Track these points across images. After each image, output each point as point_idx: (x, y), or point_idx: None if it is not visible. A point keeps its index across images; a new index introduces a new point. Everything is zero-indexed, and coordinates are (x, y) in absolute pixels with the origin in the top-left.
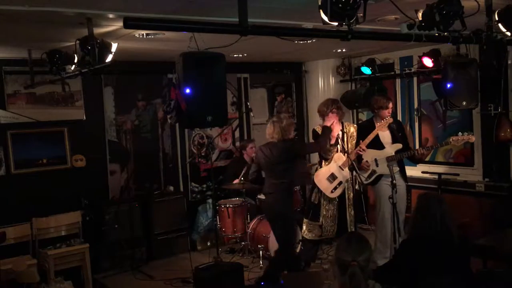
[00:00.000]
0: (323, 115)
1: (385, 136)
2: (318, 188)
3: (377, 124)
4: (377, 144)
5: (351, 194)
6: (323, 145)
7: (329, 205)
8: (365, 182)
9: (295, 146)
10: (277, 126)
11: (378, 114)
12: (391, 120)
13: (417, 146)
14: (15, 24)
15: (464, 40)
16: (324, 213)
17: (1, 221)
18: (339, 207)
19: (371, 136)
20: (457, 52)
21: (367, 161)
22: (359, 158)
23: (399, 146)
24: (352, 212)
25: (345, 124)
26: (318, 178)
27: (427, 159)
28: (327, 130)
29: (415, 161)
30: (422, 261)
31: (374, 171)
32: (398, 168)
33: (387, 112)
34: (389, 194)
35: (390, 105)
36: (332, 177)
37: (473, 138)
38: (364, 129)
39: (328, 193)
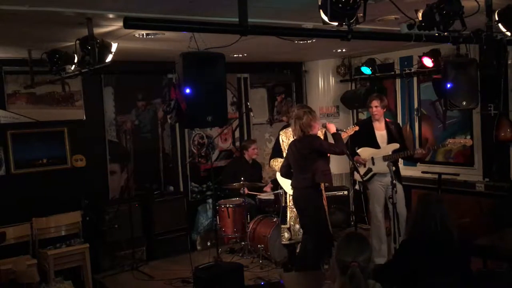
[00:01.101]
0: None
1: (381, 136)
2: (284, 190)
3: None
4: (373, 143)
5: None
6: (343, 149)
7: (294, 207)
8: (359, 180)
9: (315, 142)
10: (298, 123)
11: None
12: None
13: (417, 146)
14: (15, 24)
15: (464, 40)
16: (290, 215)
17: (1, 221)
18: None
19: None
20: (457, 52)
21: (364, 159)
22: (353, 155)
23: (396, 146)
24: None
25: None
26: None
27: (427, 159)
28: (339, 135)
29: (414, 160)
30: (422, 261)
31: (370, 169)
32: (394, 168)
33: (371, 111)
34: (380, 193)
35: (373, 103)
36: None
37: (470, 142)
38: (362, 126)
39: (289, 191)
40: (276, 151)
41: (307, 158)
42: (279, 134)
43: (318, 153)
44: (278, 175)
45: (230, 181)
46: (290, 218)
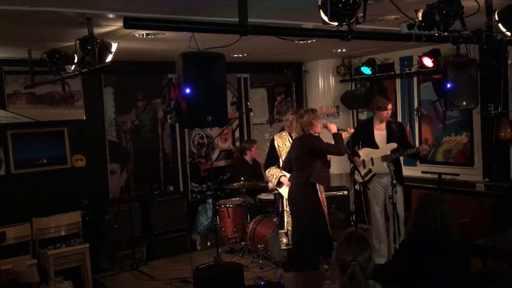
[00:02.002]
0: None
1: (381, 135)
2: (280, 193)
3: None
4: (372, 143)
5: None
6: (342, 149)
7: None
8: (360, 181)
9: (314, 142)
10: (298, 122)
11: (377, 115)
12: (352, 130)
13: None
14: (15, 24)
15: (464, 40)
16: (287, 219)
17: (1, 221)
18: None
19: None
20: (457, 52)
21: (363, 160)
22: (353, 155)
23: (394, 145)
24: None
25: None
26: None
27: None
28: (340, 136)
29: (419, 158)
30: (422, 261)
31: (370, 170)
32: (394, 168)
33: (385, 113)
34: (379, 193)
35: (389, 106)
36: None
37: (465, 139)
38: (362, 126)
39: (285, 194)
40: (271, 157)
41: (306, 157)
42: (273, 140)
43: (316, 154)
44: (274, 182)
45: (236, 181)
46: (287, 223)
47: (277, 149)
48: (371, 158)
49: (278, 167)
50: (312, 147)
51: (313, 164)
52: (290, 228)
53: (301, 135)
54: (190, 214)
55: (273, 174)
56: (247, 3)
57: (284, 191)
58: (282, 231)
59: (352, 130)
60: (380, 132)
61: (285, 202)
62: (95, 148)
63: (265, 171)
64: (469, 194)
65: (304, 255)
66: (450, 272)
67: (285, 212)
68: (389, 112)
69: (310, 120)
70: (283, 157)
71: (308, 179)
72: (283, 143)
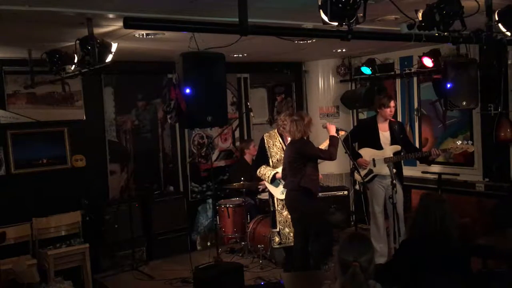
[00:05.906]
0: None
1: (385, 136)
2: (270, 193)
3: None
4: (376, 144)
5: None
6: (333, 154)
7: (282, 210)
8: (360, 181)
9: (303, 146)
10: (293, 126)
11: (380, 113)
12: (345, 132)
13: (417, 146)
14: (15, 24)
15: (464, 40)
16: (279, 219)
17: (1, 221)
18: None
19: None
20: (457, 52)
21: (366, 161)
22: (355, 156)
23: (397, 148)
24: None
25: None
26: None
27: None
28: (336, 139)
29: (427, 162)
30: (422, 261)
31: (371, 171)
32: (394, 170)
33: (388, 111)
34: (380, 193)
35: (392, 103)
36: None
37: (472, 148)
38: (365, 125)
39: (278, 195)
40: (261, 157)
41: (296, 161)
42: (263, 140)
43: (307, 158)
44: (266, 182)
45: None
46: (279, 222)
47: (267, 150)
48: (373, 159)
49: (268, 166)
50: (303, 151)
51: (305, 168)
52: (282, 227)
53: (293, 139)
54: (190, 214)
55: (265, 173)
56: (247, 3)
57: (275, 190)
58: (274, 230)
59: (343, 133)
60: (384, 133)
61: (276, 202)
62: (95, 148)
63: (255, 171)
64: (469, 194)
65: (305, 256)
66: (450, 272)
67: (276, 212)
68: (392, 110)
69: (308, 122)
70: (274, 158)
71: (299, 184)
72: (273, 143)
